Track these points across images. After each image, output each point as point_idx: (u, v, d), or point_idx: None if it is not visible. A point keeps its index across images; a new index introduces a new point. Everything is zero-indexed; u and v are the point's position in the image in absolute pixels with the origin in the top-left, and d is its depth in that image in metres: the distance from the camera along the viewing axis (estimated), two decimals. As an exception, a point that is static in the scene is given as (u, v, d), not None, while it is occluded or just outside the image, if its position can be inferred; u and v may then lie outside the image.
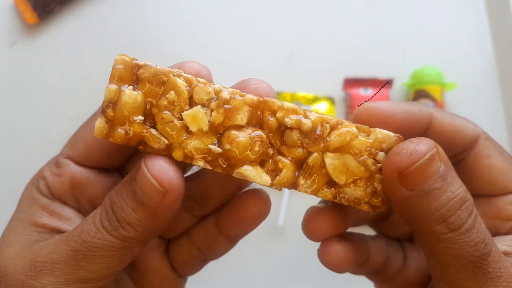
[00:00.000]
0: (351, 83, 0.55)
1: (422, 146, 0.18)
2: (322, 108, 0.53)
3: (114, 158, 0.23)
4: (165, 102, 0.20)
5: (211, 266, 0.49)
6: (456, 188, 0.18)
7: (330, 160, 0.20)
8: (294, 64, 0.57)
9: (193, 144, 0.20)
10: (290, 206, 0.51)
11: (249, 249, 0.50)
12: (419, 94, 0.52)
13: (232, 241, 0.25)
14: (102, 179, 0.23)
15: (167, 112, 0.20)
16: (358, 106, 0.55)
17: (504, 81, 0.57)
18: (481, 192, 0.22)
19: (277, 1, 0.60)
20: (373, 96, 0.53)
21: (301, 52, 0.58)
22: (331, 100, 0.54)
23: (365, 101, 0.53)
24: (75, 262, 0.19)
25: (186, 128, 0.20)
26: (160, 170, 0.19)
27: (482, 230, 0.18)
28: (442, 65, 0.55)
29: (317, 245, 0.54)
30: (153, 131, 0.20)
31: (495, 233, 0.21)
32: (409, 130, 0.21)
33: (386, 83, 0.54)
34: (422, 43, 0.58)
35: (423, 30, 0.59)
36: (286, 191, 0.50)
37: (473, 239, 0.18)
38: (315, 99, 0.54)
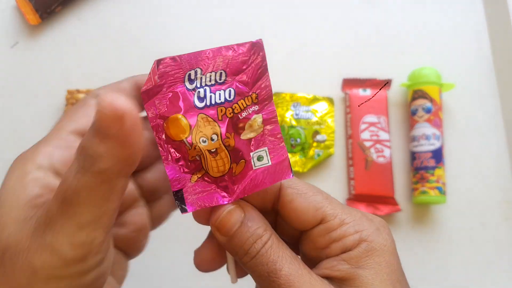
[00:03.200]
0: (349, 83, 0.55)
1: (221, 207, 0.26)
2: (321, 108, 0.54)
3: None
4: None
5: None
6: (253, 229, 0.25)
7: None
8: (293, 64, 0.58)
9: None
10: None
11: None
12: (417, 95, 0.52)
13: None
14: None
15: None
16: (358, 106, 0.55)
17: (502, 82, 0.57)
18: (298, 229, 0.27)
19: (277, 3, 0.61)
20: (372, 97, 0.54)
21: (300, 53, 0.58)
22: (330, 100, 0.54)
23: (364, 102, 0.54)
24: (65, 211, 0.20)
25: None
26: (112, 99, 0.19)
27: (275, 254, 0.24)
28: (440, 66, 0.55)
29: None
30: None
31: (320, 260, 0.26)
32: None
33: (386, 84, 0.54)
34: (420, 43, 0.59)
35: (422, 31, 0.59)
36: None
37: (264, 261, 0.24)
38: (314, 100, 0.54)
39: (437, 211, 0.52)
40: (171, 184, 0.26)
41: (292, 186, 0.27)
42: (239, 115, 0.25)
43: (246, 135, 0.26)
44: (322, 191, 0.27)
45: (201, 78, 0.25)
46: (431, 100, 0.52)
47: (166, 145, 0.25)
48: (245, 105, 0.26)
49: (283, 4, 0.61)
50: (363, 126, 0.53)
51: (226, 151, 0.26)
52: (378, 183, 0.51)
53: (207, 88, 0.25)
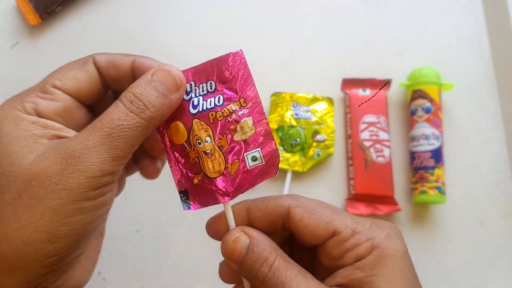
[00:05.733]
0: (349, 83, 0.55)
1: (228, 235, 0.27)
2: (321, 108, 0.54)
3: (94, 97, 0.29)
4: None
5: (213, 262, 0.49)
6: (258, 253, 0.26)
7: None
8: (293, 65, 0.58)
9: None
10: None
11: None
12: (416, 95, 0.52)
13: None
14: (83, 111, 0.29)
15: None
16: (358, 106, 0.55)
17: (502, 82, 0.57)
18: (311, 244, 0.28)
19: (277, 3, 0.61)
20: (372, 97, 0.54)
21: (300, 53, 0.58)
22: (330, 100, 0.54)
23: (364, 102, 0.54)
24: (110, 143, 0.24)
25: None
26: (178, 71, 0.27)
27: (282, 275, 0.25)
28: (439, 66, 0.56)
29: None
30: None
31: (336, 269, 0.27)
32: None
33: (386, 84, 0.54)
34: (420, 44, 0.59)
35: (421, 31, 0.60)
36: (286, 187, 0.51)
37: (273, 284, 0.25)
38: (314, 99, 0.54)
39: (436, 211, 0.52)
40: (177, 185, 0.29)
41: (300, 205, 0.28)
42: (229, 118, 0.29)
43: (238, 136, 0.29)
44: (330, 205, 0.28)
45: (195, 89, 0.29)
46: (431, 100, 0.52)
47: (170, 150, 0.29)
48: (234, 109, 0.29)
49: (283, 4, 0.61)
50: (362, 126, 0.53)
51: (219, 151, 0.29)
52: (377, 183, 0.51)
53: (200, 97, 0.29)
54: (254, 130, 0.28)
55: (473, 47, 0.59)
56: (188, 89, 0.29)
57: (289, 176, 0.52)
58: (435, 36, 0.59)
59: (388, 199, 0.51)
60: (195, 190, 0.29)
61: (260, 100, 0.29)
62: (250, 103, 0.29)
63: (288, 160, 0.52)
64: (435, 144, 0.51)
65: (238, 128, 0.28)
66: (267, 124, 0.28)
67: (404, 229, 0.51)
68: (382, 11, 0.61)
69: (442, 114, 0.53)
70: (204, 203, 0.29)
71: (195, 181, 0.29)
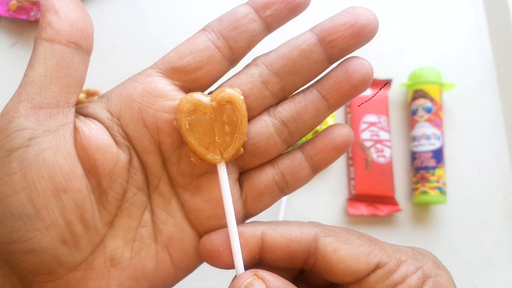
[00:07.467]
0: (350, 83, 0.55)
1: (236, 282, 0.23)
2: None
3: None
4: None
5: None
6: None
7: None
8: (293, 64, 0.58)
9: None
10: (289, 205, 0.52)
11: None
12: (417, 94, 0.52)
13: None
14: None
15: None
16: (358, 106, 0.55)
17: (503, 81, 0.57)
18: (347, 282, 0.23)
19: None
20: (372, 97, 0.54)
21: (300, 52, 0.58)
22: (330, 100, 0.54)
23: (364, 102, 0.53)
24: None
25: None
26: None
27: None
28: (440, 65, 0.55)
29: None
30: None
31: None
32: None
33: (386, 84, 0.54)
34: (420, 43, 0.59)
35: (422, 30, 0.59)
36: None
37: None
38: (315, 99, 0.54)
39: (437, 211, 0.52)
40: None
41: (330, 234, 0.23)
42: None
43: None
44: (357, 231, 0.24)
45: None
46: (432, 99, 0.52)
47: None
48: None
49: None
50: (363, 126, 0.53)
51: None
52: (378, 183, 0.51)
53: None
54: None
55: (474, 47, 0.59)
56: None
57: (289, 176, 0.51)
58: (436, 36, 0.59)
59: (388, 199, 0.51)
60: None
61: None
62: None
63: (288, 160, 0.52)
64: (436, 144, 0.51)
65: None
66: None
67: (405, 229, 0.51)
68: (383, 10, 0.60)
69: (443, 114, 0.52)
70: None
71: None
